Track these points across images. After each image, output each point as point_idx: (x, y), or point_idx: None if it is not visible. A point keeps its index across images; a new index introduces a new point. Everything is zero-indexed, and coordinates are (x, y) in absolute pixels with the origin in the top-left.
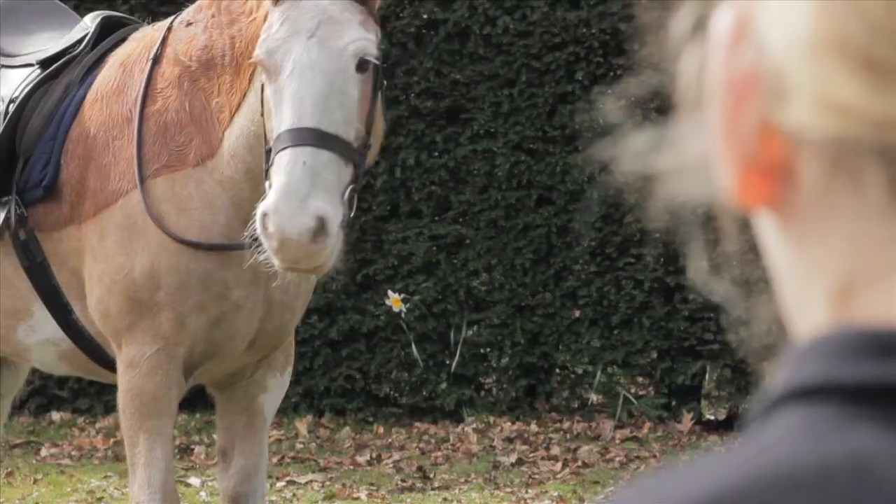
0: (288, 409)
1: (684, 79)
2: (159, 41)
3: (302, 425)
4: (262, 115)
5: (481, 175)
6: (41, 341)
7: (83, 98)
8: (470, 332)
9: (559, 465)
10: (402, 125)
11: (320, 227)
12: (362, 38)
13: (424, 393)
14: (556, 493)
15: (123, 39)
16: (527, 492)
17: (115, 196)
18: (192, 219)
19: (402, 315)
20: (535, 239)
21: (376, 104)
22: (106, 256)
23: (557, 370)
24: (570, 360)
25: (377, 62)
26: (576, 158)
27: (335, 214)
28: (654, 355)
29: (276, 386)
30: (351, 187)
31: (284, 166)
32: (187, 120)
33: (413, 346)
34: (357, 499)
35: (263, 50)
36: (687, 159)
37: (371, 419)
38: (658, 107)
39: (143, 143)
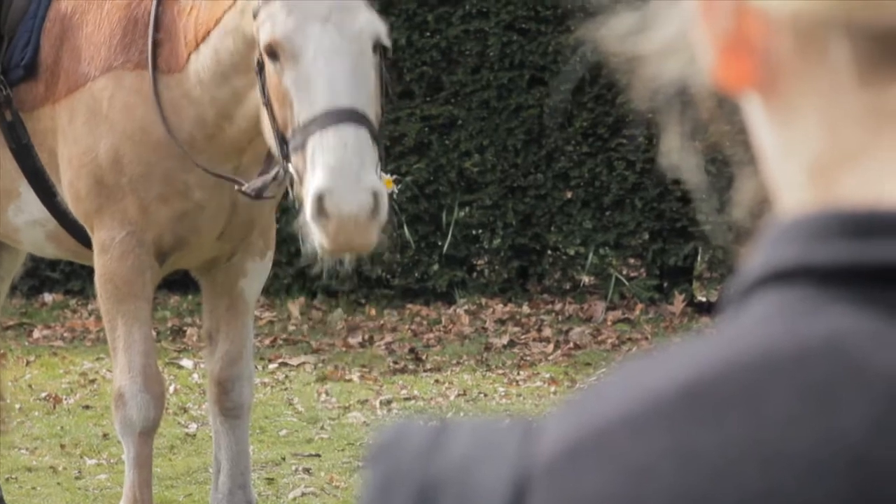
0: (280, 291)
1: None
2: None
3: (294, 307)
4: (266, 101)
5: (473, 55)
6: (29, 222)
7: None
8: (462, 214)
9: (551, 346)
10: (393, 4)
11: (375, 203)
12: (374, 21)
13: (416, 274)
14: (547, 375)
15: None
16: (518, 373)
17: (84, 79)
18: (158, 117)
19: (394, 196)
20: (526, 119)
21: (382, 85)
22: (75, 138)
23: (549, 251)
24: (562, 242)
25: (386, 43)
26: (568, 38)
27: (384, 188)
28: (646, 236)
29: (256, 270)
30: (378, 167)
31: (331, 146)
32: (157, 25)
33: (405, 227)
34: (349, 380)
35: (279, 34)
36: (668, 40)
37: (363, 301)
38: None
39: (113, 32)
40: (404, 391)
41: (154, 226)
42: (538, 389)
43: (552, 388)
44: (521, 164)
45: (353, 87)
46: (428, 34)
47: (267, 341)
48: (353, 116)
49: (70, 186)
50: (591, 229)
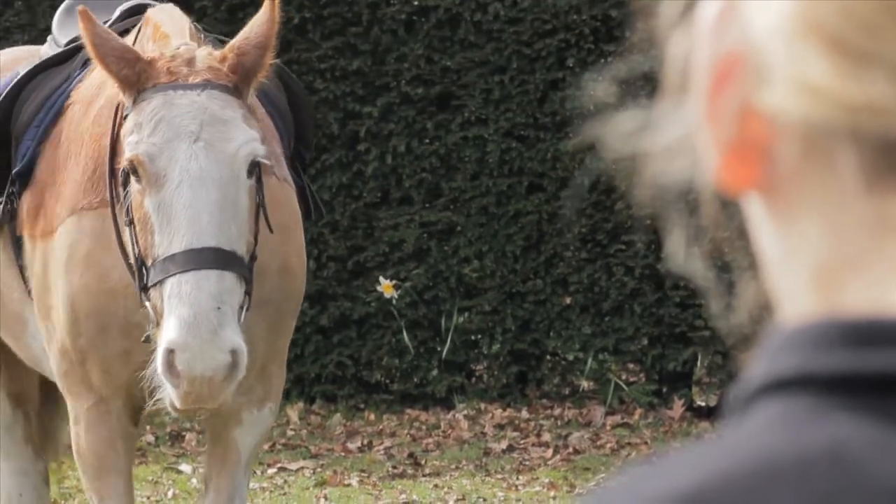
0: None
1: (671, 62)
2: None
3: (293, 412)
4: (129, 220)
5: (472, 162)
6: (42, 348)
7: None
8: (461, 319)
9: (550, 451)
10: (392, 112)
11: (234, 362)
12: (251, 140)
13: (415, 379)
14: (546, 480)
15: (127, 31)
16: (518, 478)
17: (57, 222)
18: (117, 256)
19: (394, 302)
20: (525, 226)
21: (260, 209)
22: (44, 290)
23: (548, 357)
24: (561, 347)
25: (266, 161)
26: (566, 145)
27: (244, 346)
28: (645, 342)
29: (253, 421)
30: (244, 310)
31: (187, 295)
32: (115, 153)
33: (404, 332)
34: (348, 485)
35: (143, 153)
36: (672, 142)
37: (362, 406)
38: (647, 90)
39: (84, 167)
40: (403, 496)
41: (119, 390)
42: (537, 494)
43: (551, 493)
44: (520, 269)
45: (221, 222)
46: (427, 141)
47: (266, 446)
48: (216, 260)
49: (47, 344)
50: (590, 335)
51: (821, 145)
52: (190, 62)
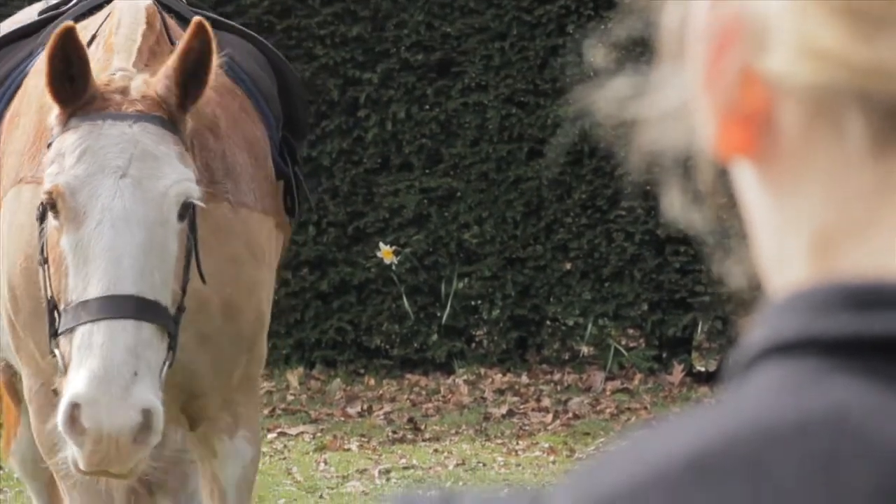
0: (279, 361)
1: (668, 28)
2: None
3: (293, 377)
4: (43, 259)
5: (472, 128)
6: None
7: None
8: (461, 285)
9: (550, 416)
10: (392, 78)
11: (146, 424)
12: (185, 179)
13: (415, 345)
14: (546, 445)
15: (100, 6)
16: (517, 443)
17: (3, 194)
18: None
19: (393, 267)
20: (525, 191)
21: (192, 254)
22: None
23: (548, 322)
24: (561, 313)
25: (200, 203)
26: (566, 111)
27: (159, 406)
28: (645, 307)
29: (228, 453)
30: (167, 365)
31: (98, 346)
32: None
33: (404, 298)
34: (348, 450)
35: (63, 184)
36: (669, 108)
37: (362, 371)
38: (646, 56)
39: (28, 138)
40: (403, 461)
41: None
42: (537, 459)
43: (551, 458)
44: (521, 235)
45: (143, 268)
46: (427, 107)
47: (266, 411)
48: (134, 308)
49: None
50: (590, 300)
51: (827, 110)
52: (124, 91)
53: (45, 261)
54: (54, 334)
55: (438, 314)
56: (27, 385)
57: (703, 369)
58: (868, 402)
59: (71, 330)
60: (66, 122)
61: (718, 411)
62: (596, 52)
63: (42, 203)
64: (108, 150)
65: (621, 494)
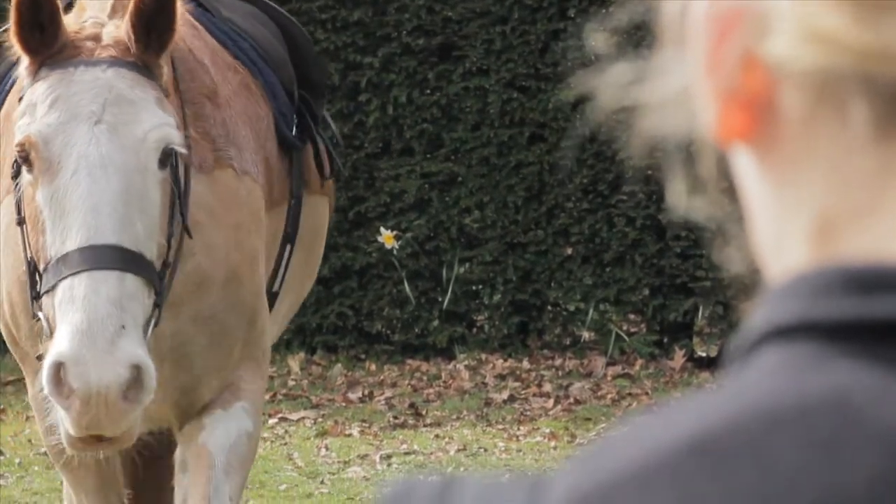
0: (280, 346)
1: (669, 12)
2: None
3: (294, 362)
4: (21, 219)
5: (473, 112)
6: None
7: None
8: (462, 270)
9: (551, 401)
10: (393, 62)
11: (135, 379)
12: (164, 123)
13: (416, 330)
14: (547, 430)
15: None
16: (518, 428)
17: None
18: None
19: (394, 252)
20: (527, 176)
21: (176, 207)
22: None
23: (549, 307)
24: (562, 298)
25: (182, 150)
26: (568, 95)
27: (150, 362)
28: (646, 292)
29: (219, 419)
30: (153, 324)
31: (80, 299)
32: None
33: (405, 283)
34: (349, 435)
35: (35, 134)
36: (668, 92)
37: (363, 356)
38: (645, 40)
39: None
40: (404, 446)
41: None
42: (538, 444)
43: (552, 444)
44: (522, 220)
45: (124, 217)
46: (428, 91)
47: (267, 396)
48: (116, 259)
49: None
50: (591, 285)
51: (830, 95)
52: (96, 37)
53: (23, 220)
54: (36, 297)
55: (439, 299)
56: (29, 388)
57: (704, 354)
58: (869, 385)
59: (52, 287)
60: (36, 73)
61: (720, 396)
62: (597, 38)
63: (15, 159)
64: (82, 97)
65: (623, 479)
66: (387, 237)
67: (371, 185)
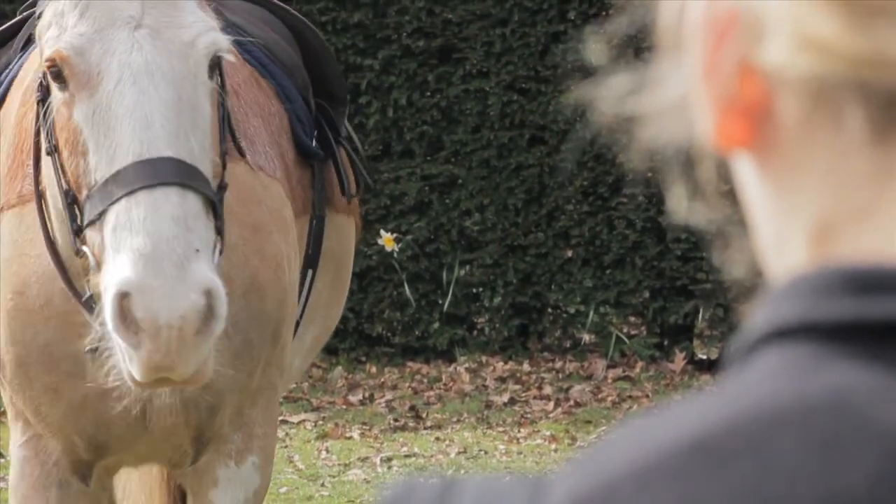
0: None
1: (665, 20)
2: None
3: None
4: (51, 147)
5: (473, 115)
6: None
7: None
8: (462, 272)
9: (551, 404)
10: (393, 65)
11: (210, 308)
12: (210, 28)
13: (417, 332)
14: (548, 433)
15: None
16: (519, 431)
17: None
18: (31, 270)
19: (395, 255)
20: (527, 179)
21: (225, 122)
22: None
23: (550, 310)
24: (563, 300)
25: (230, 57)
26: (568, 98)
27: (221, 287)
28: (647, 295)
29: (230, 479)
30: (217, 251)
31: (140, 220)
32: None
33: (405, 285)
34: (349, 438)
35: (67, 47)
36: (667, 101)
37: (363, 359)
38: (643, 47)
39: (8, 158)
40: (405, 448)
41: (55, 431)
42: (539, 447)
43: (553, 446)
44: (522, 222)
45: (178, 128)
46: (428, 94)
47: None
48: (176, 173)
49: None
50: (591, 287)
51: (826, 100)
52: None
53: (55, 148)
54: (78, 231)
55: (440, 302)
56: (12, 436)
57: (704, 357)
58: (869, 386)
59: (101, 215)
60: None
61: (720, 396)
62: (594, 48)
63: (41, 81)
64: (115, 1)
65: (624, 480)
66: (387, 240)
67: (371, 187)
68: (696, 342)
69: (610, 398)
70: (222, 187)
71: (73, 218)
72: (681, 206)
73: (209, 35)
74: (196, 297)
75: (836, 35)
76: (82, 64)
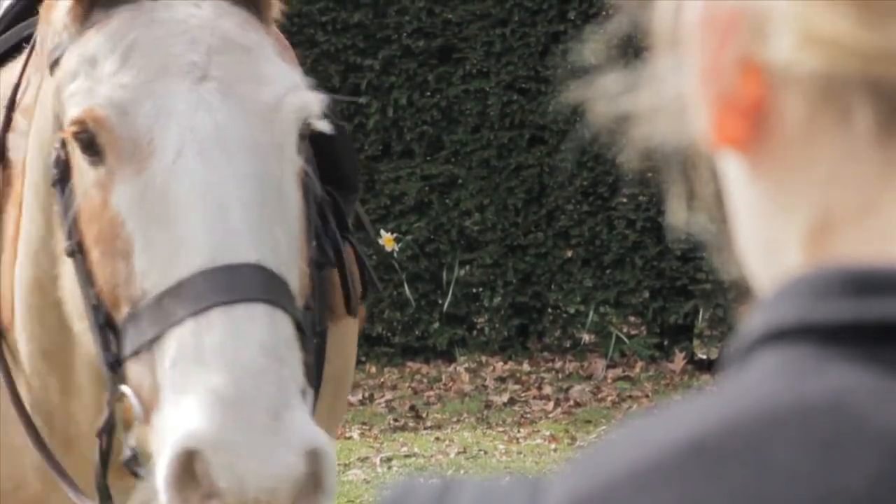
0: None
1: (661, 19)
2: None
3: None
4: (73, 246)
5: (473, 115)
6: None
7: None
8: (462, 272)
9: (551, 404)
10: (393, 65)
11: (314, 476)
12: (297, 85)
13: (417, 332)
14: (548, 433)
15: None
16: (519, 431)
17: None
18: None
19: (395, 255)
20: (527, 179)
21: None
22: None
23: (549, 310)
24: (563, 300)
25: (324, 129)
26: (567, 98)
27: (325, 442)
28: (647, 295)
29: None
30: (303, 384)
31: (216, 349)
32: None
33: (405, 285)
34: (349, 438)
35: (104, 104)
36: (662, 100)
37: (363, 359)
38: (643, 47)
39: None
40: (404, 448)
41: None
42: (538, 447)
43: (552, 446)
44: (522, 222)
45: (261, 222)
46: (428, 94)
47: None
48: (263, 286)
49: None
50: (591, 287)
51: (833, 98)
52: None
53: (79, 248)
54: (115, 364)
55: (440, 302)
56: None
57: (704, 357)
58: (868, 387)
59: (153, 341)
60: (85, 18)
61: (718, 398)
62: (591, 49)
63: (58, 155)
64: (172, 42)
65: (622, 481)
66: (387, 240)
67: (371, 187)
68: (695, 342)
69: (610, 398)
70: (308, 307)
71: (105, 345)
72: (679, 208)
73: (298, 95)
74: (295, 461)
75: (846, 31)
76: (126, 128)
